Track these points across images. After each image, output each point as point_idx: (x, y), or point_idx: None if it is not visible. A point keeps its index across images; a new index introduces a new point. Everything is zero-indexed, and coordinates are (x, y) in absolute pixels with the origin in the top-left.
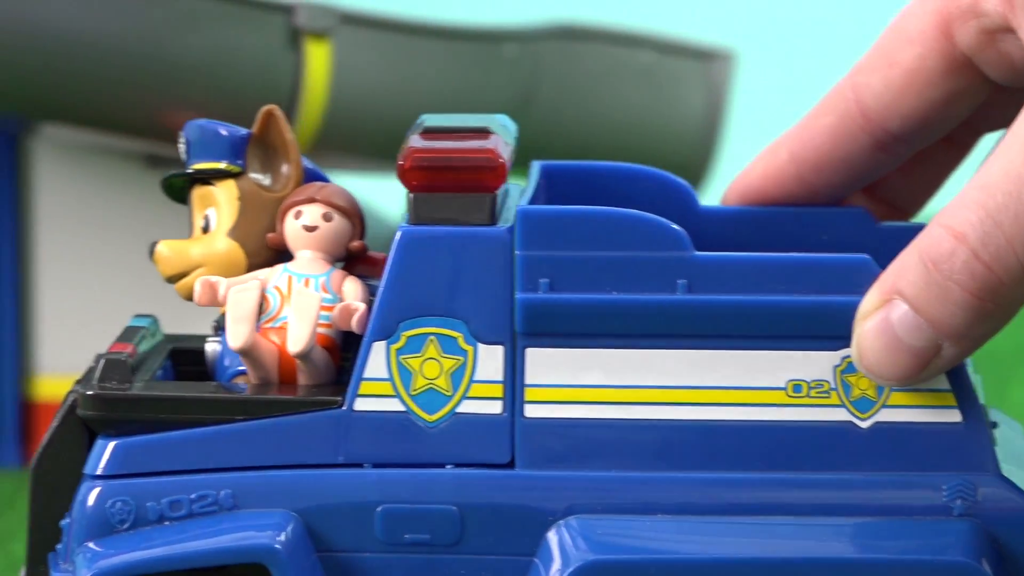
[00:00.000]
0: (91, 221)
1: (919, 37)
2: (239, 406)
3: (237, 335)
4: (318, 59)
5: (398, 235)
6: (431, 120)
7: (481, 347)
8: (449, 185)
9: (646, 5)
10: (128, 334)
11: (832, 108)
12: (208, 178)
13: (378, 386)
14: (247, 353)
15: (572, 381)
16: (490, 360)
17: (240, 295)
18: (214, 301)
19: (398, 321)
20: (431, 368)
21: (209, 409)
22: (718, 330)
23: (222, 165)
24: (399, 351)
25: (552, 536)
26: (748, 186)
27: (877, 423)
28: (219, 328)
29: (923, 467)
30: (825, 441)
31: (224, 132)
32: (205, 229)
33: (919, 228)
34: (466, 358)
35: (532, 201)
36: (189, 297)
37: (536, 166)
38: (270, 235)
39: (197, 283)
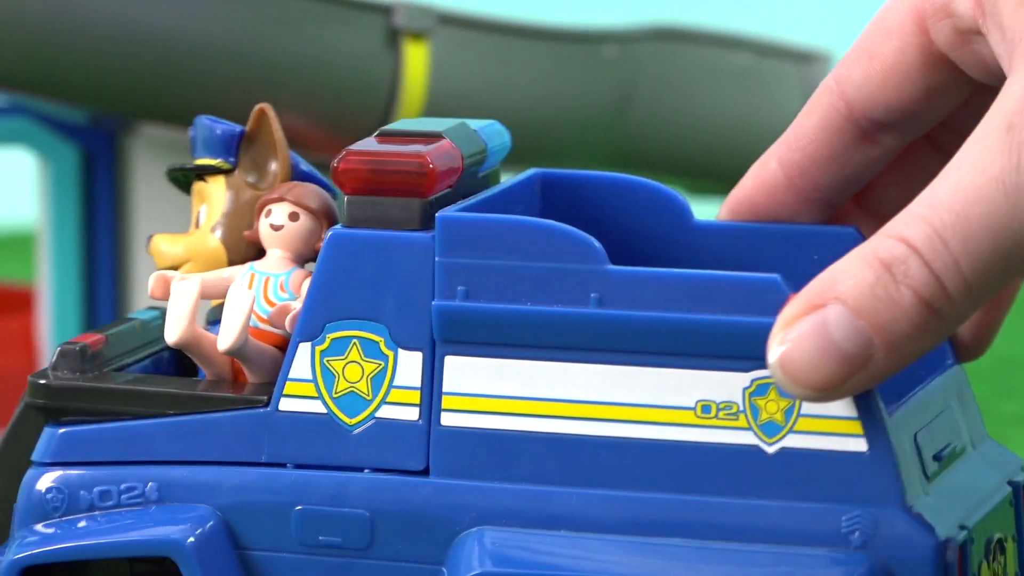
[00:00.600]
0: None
1: (897, 30)
2: (168, 400)
3: (171, 331)
4: (416, 60)
5: (327, 236)
6: (399, 124)
7: (401, 352)
8: (380, 189)
9: (744, 6)
10: (108, 325)
11: (816, 106)
12: (203, 174)
13: (302, 387)
14: (186, 348)
15: (488, 391)
16: (410, 366)
17: (180, 290)
18: (167, 295)
19: (323, 323)
20: (353, 371)
21: (139, 402)
22: (629, 346)
23: (215, 161)
24: (323, 353)
25: (459, 546)
26: (740, 198)
27: (783, 448)
28: (208, 323)
29: (826, 496)
30: (731, 464)
31: (219, 129)
32: (198, 224)
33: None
34: (386, 363)
35: (518, 209)
36: None
37: (530, 173)
38: (247, 232)
39: (151, 277)
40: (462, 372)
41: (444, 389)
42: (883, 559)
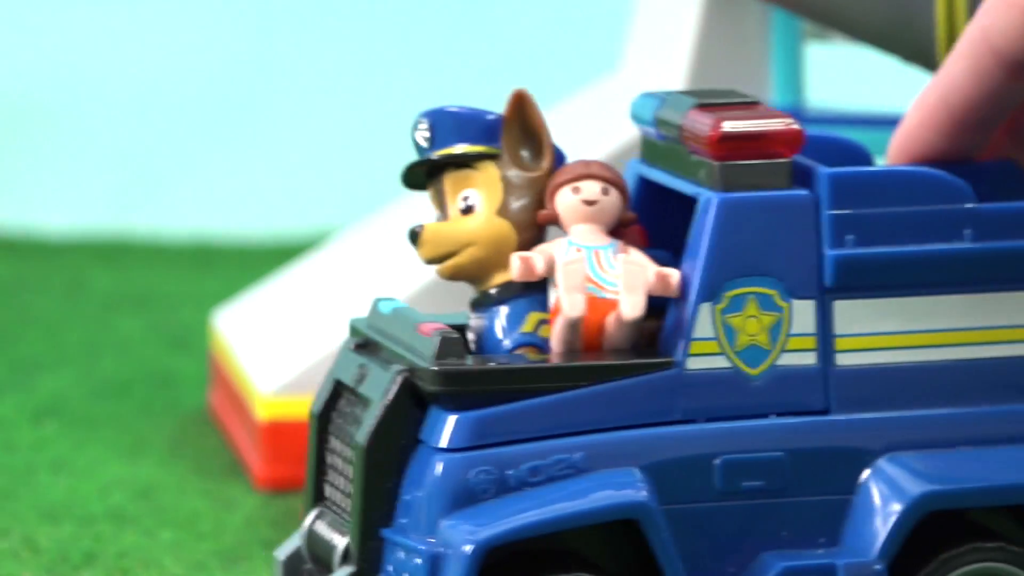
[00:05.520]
0: None
1: None
2: (586, 373)
3: (576, 304)
4: None
5: (712, 203)
6: (697, 95)
7: (795, 302)
8: (752, 153)
9: None
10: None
11: (964, 53)
12: (467, 161)
13: (706, 345)
14: (579, 322)
15: (876, 329)
16: (803, 314)
17: (572, 267)
18: (531, 275)
19: (721, 283)
20: (752, 325)
21: (557, 377)
22: (998, 274)
23: (482, 148)
24: (723, 311)
25: (872, 474)
26: (907, 134)
27: None
28: (478, 306)
29: None
30: None
31: (479, 117)
32: (466, 211)
33: None
34: (782, 314)
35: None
36: (452, 277)
37: None
38: (542, 212)
39: (515, 257)
40: (851, 315)
41: (836, 332)
42: None
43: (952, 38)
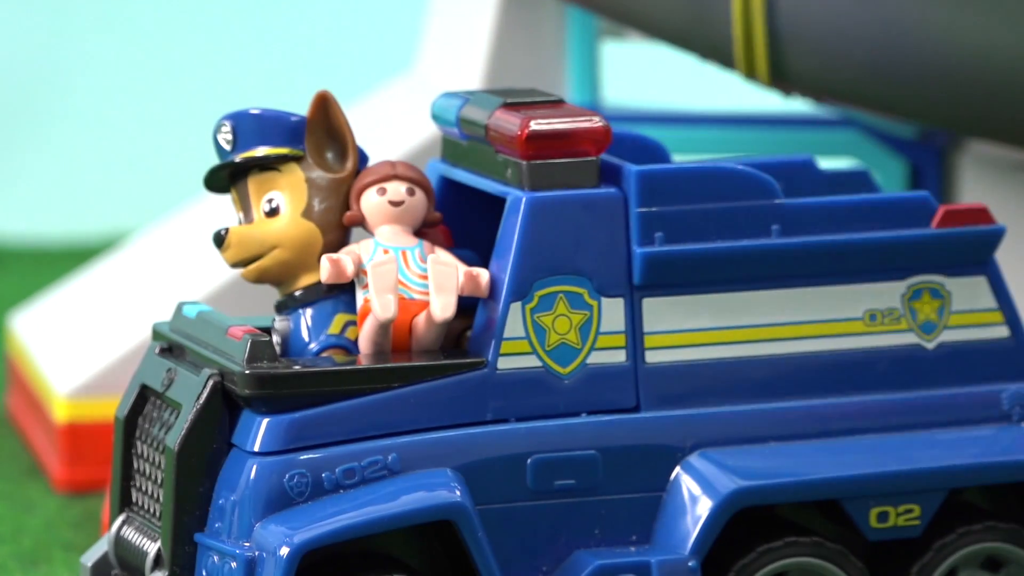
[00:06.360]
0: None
1: None
2: (398, 374)
3: (388, 306)
4: None
5: (521, 202)
6: (501, 95)
7: (604, 300)
8: (561, 153)
9: None
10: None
11: None
12: (271, 163)
13: (516, 345)
14: (391, 323)
15: (685, 326)
16: (613, 312)
17: (383, 269)
18: (341, 277)
19: (530, 282)
20: (562, 324)
21: (370, 379)
22: (807, 270)
23: (286, 150)
24: (533, 310)
25: (682, 471)
26: None
27: (941, 343)
28: (283, 308)
29: (983, 380)
30: (900, 363)
31: (282, 119)
32: (271, 213)
33: (856, 173)
34: (592, 312)
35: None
36: (258, 279)
37: None
38: (348, 214)
39: (324, 260)
40: (660, 312)
41: (645, 330)
42: None
43: (748, 35)
